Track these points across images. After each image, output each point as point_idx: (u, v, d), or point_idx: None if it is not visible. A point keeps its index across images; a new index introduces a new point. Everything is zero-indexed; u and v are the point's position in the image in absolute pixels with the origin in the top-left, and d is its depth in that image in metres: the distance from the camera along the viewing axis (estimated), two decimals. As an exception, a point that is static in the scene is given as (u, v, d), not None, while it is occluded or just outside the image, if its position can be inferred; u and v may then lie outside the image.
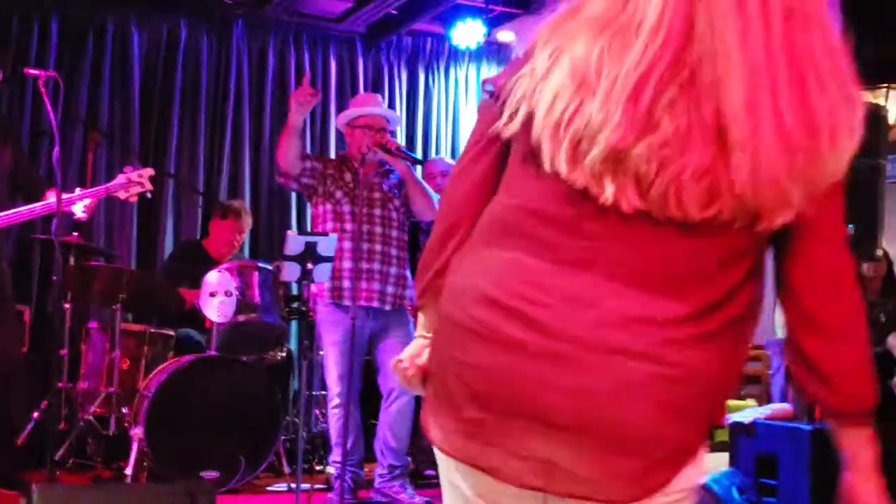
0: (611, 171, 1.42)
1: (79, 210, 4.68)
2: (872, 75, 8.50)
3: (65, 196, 4.49)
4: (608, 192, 1.43)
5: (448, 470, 1.62)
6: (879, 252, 4.83)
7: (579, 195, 1.47)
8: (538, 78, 1.48)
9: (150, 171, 4.92)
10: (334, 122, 7.23)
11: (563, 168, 1.46)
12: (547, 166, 1.48)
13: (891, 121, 8.56)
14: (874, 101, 8.69)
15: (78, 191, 4.77)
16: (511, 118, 1.53)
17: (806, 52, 1.39)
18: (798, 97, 1.38)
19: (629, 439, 1.43)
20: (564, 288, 1.46)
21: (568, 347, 1.44)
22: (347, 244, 4.83)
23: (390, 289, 4.89)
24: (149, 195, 5.00)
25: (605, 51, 1.43)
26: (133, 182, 4.85)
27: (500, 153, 1.61)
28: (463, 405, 1.50)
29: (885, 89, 8.61)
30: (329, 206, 4.92)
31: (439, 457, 1.61)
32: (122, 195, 4.87)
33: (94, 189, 4.89)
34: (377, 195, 4.96)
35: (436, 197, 5.17)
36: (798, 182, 1.39)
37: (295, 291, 6.29)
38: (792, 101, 1.37)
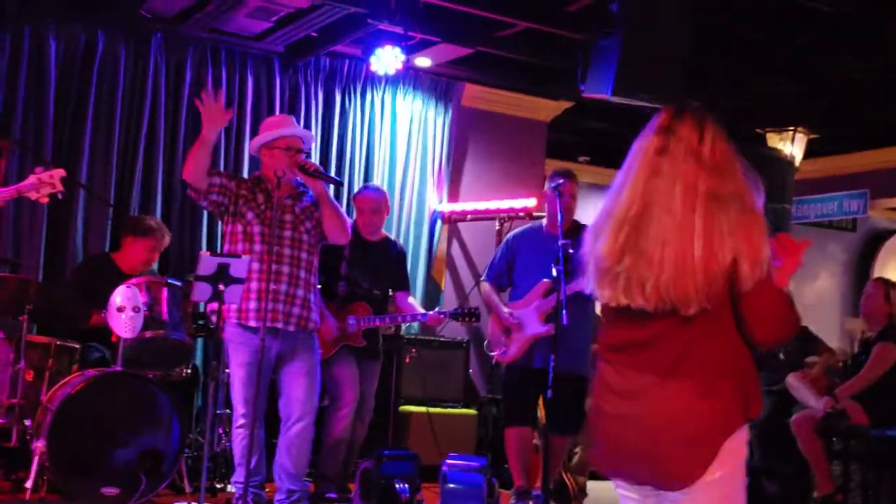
0: (608, 281, 2.55)
1: None
2: (780, 119, 8.85)
3: None
4: (609, 294, 2.55)
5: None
6: None
7: (615, 314, 2.60)
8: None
9: (61, 172, 4.91)
10: (248, 139, 7.27)
11: (594, 288, 2.61)
12: (596, 296, 2.63)
13: (797, 163, 8.91)
14: (780, 143, 9.05)
15: None
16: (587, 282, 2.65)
17: (716, 218, 2.44)
18: (705, 244, 2.42)
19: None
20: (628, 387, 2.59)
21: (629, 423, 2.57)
22: (256, 265, 4.87)
23: (296, 310, 4.94)
24: (60, 196, 4.97)
25: (610, 209, 2.58)
26: (44, 182, 4.83)
27: None
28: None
29: (791, 132, 8.96)
30: (239, 227, 4.96)
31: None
32: (32, 195, 4.84)
33: (4, 189, 4.85)
34: (288, 217, 5.00)
35: (349, 221, 5.24)
36: (700, 292, 2.43)
37: (202, 309, 6.32)
38: (701, 246, 2.42)
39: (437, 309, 5.97)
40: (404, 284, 6.10)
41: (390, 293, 6.09)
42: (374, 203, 5.94)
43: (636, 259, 2.47)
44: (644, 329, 2.53)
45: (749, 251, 2.43)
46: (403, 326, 7.42)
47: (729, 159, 2.55)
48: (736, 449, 2.50)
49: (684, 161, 2.51)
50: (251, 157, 7.22)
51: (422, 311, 5.99)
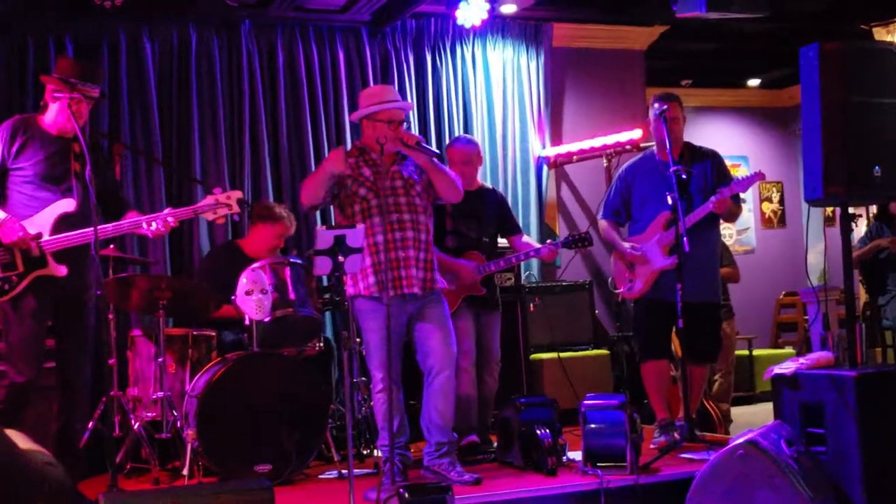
0: None
1: (151, 230, 4.89)
2: (882, 11, 8.49)
3: (150, 216, 4.89)
4: None
5: None
6: None
7: None
8: None
9: (237, 194, 5.06)
10: (347, 113, 7.34)
11: None
12: None
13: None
14: (888, 36, 8.67)
15: (167, 210, 4.92)
16: None
17: None
18: None
19: None
20: None
21: None
22: (380, 238, 4.88)
23: (421, 273, 4.95)
24: (236, 217, 5.12)
25: None
26: (221, 203, 4.99)
27: None
28: None
29: (897, 22, 8.62)
30: (357, 208, 4.97)
31: None
32: (209, 216, 5.01)
33: (182, 209, 5.05)
34: (399, 183, 5.02)
35: (458, 179, 5.21)
36: None
37: (326, 283, 6.42)
38: None
39: (548, 242, 5.91)
40: (515, 227, 6.02)
41: (503, 240, 6.04)
42: (464, 155, 5.88)
43: None
44: None
45: None
46: (523, 276, 7.41)
47: None
48: None
49: None
50: (352, 129, 7.30)
51: (536, 245, 5.95)
